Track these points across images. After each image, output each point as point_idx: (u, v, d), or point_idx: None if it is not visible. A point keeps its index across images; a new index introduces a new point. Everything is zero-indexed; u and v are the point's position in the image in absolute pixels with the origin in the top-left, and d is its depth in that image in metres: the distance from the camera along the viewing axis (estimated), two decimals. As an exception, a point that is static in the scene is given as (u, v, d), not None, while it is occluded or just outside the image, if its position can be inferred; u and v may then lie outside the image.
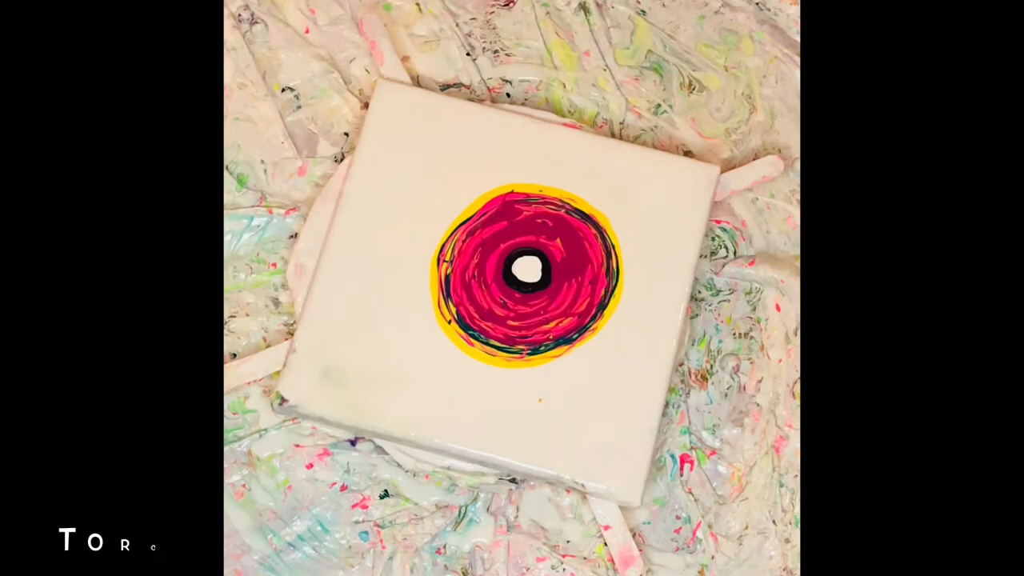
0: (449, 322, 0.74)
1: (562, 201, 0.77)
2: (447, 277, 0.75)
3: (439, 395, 0.73)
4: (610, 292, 0.75)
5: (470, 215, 0.76)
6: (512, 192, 0.77)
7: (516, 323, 0.75)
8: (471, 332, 0.74)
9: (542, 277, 0.75)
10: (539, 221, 0.76)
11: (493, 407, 0.73)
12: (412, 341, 0.74)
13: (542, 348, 0.74)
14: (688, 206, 0.77)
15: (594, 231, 0.76)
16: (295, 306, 0.76)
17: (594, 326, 0.75)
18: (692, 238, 0.76)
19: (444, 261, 0.75)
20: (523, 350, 0.74)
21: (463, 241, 0.76)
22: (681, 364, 0.77)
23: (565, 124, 0.79)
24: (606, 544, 0.74)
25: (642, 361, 0.74)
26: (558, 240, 0.76)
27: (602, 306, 0.75)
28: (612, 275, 0.75)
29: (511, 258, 0.76)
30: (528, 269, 0.76)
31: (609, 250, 0.76)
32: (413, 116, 0.77)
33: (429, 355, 0.74)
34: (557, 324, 0.75)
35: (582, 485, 0.72)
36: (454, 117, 0.77)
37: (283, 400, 0.72)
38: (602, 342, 0.74)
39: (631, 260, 0.76)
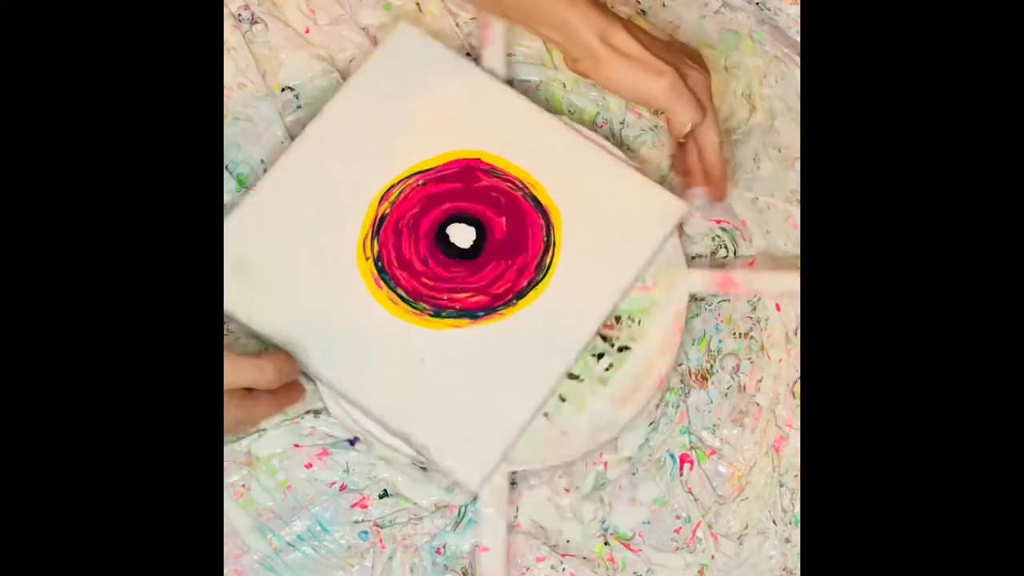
0: (367, 259, 0.74)
1: (522, 183, 0.76)
2: (383, 216, 0.75)
3: (330, 321, 0.73)
4: (532, 286, 0.75)
5: (430, 167, 0.76)
6: (479, 159, 0.77)
7: (429, 282, 0.74)
8: (384, 275, 0.74)
9: (471, 247, 0.75)
10: (493, 194, 0.76)
11: (377, 351, 0.73)
12: (326, 264, 0.74)
13: (444, 313, 0.74)
14: (642, 232, 0.76)
15: (542, 221, 0.76)
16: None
17: (503, 312, 0.74)
18: (633, 264, 0.75)
19: (387, 201, 0.75)
20: (426, 309, 0.74)
21: (413, 189, 0.76)
22: (680, 364, 0.77)
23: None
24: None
25: (535, 363, 0.73)
26: (504, 219, 0.76)
27: (519, 295, 0.74)
28: (542, 270, 0.75)
29: (449, 220, 0.75)
30: (462, 235, 0.75)
31: (549, 246, 0.75)
32: (415, 63, 0.78)
33: (336, 283, 0.74)
34: (468, 297, 0.74)
35: (429, 451, 0.71)
36: (450, 70, 0.78)
37: None
38: (503, 329, 0.73)
39: (566, 263, 0.75)
